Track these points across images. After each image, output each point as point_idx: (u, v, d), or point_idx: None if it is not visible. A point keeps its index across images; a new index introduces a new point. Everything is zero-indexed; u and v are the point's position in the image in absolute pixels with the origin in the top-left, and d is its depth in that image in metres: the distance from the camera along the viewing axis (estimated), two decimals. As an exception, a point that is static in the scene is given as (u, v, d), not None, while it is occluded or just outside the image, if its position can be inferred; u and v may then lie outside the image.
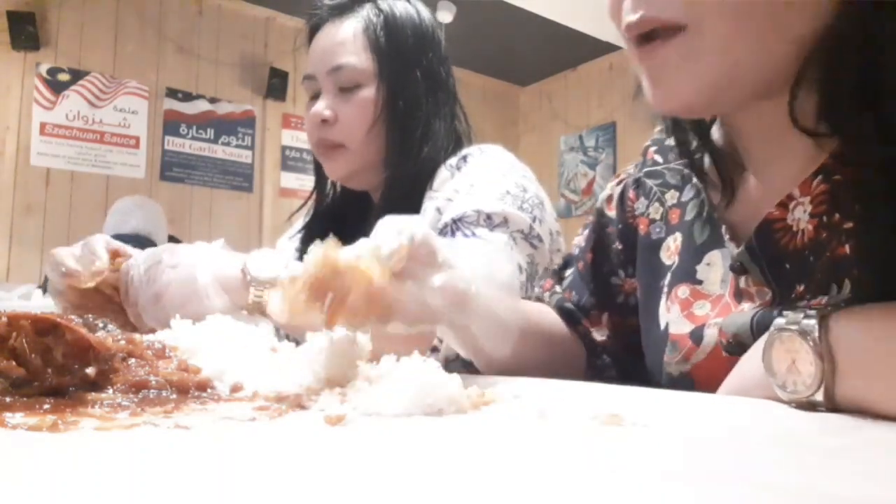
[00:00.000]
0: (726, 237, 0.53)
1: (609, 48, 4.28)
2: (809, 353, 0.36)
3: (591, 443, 0.28)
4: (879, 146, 0.41)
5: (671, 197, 0.60)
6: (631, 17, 0.44)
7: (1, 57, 3.34)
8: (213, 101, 3.94)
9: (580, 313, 0.67)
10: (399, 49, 0.93)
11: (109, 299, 0.70)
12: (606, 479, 0.21)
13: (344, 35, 0.94)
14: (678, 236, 0.58)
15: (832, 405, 0.35)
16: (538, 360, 0.60)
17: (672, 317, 0.55)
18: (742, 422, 0.35)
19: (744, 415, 0.37)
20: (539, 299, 0.71)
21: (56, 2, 3.48)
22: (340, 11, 0.95)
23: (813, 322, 0.37)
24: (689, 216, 0.57)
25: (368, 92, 0.92)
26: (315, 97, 0.96)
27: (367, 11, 0.94)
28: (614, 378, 0.67)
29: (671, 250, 0.58)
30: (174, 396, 0.36)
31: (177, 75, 3.84)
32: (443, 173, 0.89)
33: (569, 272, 0.71)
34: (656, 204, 0.62)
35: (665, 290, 0.57)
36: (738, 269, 0.51)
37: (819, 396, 0.35)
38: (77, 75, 3.54)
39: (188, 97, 3.87)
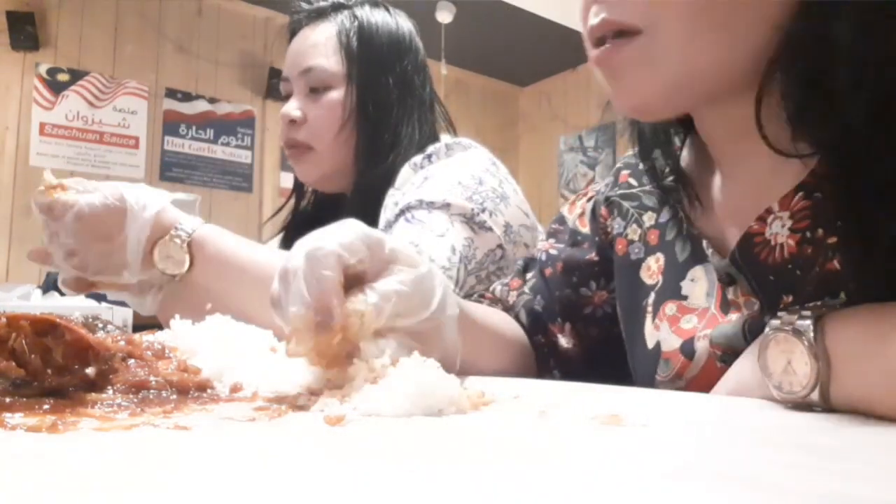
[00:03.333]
0: (709, 251, 0.53)
1: (608, 48, 4.28)
2: (804, 353, 0.36)
3: (591, 443, 0.28)
4: (851, 162, 0.41)
5: (649, 218, 0.61)
6: (593, 20, 0.46)
7: (0, 57, 3.34)
8: (212, 101, 3.93)
9: (546, 318, 0.67)
10: (371, 54, 0.95)
11: None
12: (606, 479, 0.21)
13: (317, 38, 0.95)
14: (660, 256, 0.58)
15: (827, 405, 0.36)
16: (483, 361, 0.60)
17: (662, 335, 0.55)
18: (740, 422, 0.35)
19: (742, 415, 0.37)
20: (500, 299, 0.71)
21: (55, 2, 3.48)
22: (317, 16, 0.98)
23: (808, 322, 0.37)
24: (669, 236, 0.58)
25: (338, 94, 0.94)
26: (289, 98, 0.98)
27: (342, 17, 0.96)
28: None
29: (652, 270, 0.59)
30: (174, 397, 0.36)
31: (176, 75, 3.84)
32: (405, 171, 0.90)
33: (530, 275, 0.71)
34: (634, 225, 0.62)
35: (650, 309, 0.57)
36: (725, 280, 0.51)
37: (814, 397, 0.36)
38: (76, 75, 3.54)
39: (188, 97, 3.87)
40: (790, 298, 0.46)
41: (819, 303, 0.43)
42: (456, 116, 1.09)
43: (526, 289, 0.70)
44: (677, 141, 0.60)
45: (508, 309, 0.70)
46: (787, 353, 0.37)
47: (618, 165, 0.68)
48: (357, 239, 0.39)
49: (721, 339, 0.49)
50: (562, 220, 0.72)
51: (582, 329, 0.67)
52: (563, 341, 0.67)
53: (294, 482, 0.20)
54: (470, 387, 0.37)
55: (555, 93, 5.09)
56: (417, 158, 0.90)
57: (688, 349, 0.52)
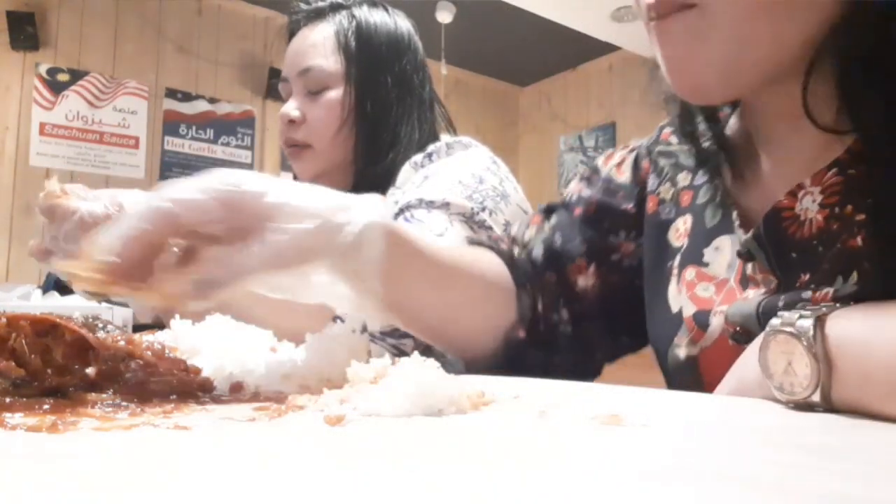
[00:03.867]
0: (736, 223, 0.53)
1: (609, 48, 4.28)
2: (805, 354, 0.36)
3: (591, 443, 0.28)
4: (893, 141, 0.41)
5: (683, 178, 0.60)
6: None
7: (0, 57, 3.34)
8: (212, 101, 3.94)
9: (564, 256, 0.66)
10: (369, 54, 0.95)
11: None
12: (606, 479, 0.21)
13: (315, 38, 0.96)
14: (688, 218, 0.58)
15: (829, 406, 0.35)
16: (458, 301, 0.58)
17: (683, 300, 0.55)
18: (741, 422, 0.35)
19: (742, 415, 0.37)
20: (514, 237, 0.69)
21: (56, 2, 3.48)
22: (316, 16, 0.98)
23: (808, 323, 0.36)
24: (701, 200, 0.57)
25: (336, 94, 0.94)
26: (289, 100, 0.98)
27: (340, 17, 0.97)
28: (554, 343, 0.65)
29: (680, 232, 0.58)
30: (174, 397, 0.36)
31: (176, 75, 3.84)
32: (406, 170, 0.90)
33: (554, 215, 0.69)
34: (667, 184, 0.61)
35: (675, 272, 0.57)
36: (745, 255, 0.51)
37: (816, 398, 0.35)
38: (76, 75, 3.54)
39: (188, 97, 3.87)
40: (806, 277, 0.47)
41: (831, 295, 0.43)
42: (456, 116, 1.09)
43: (546, 225, 0.68)
44: (725, 109, 0.59)
45: (523, 246, 0.68)
46: (787, 354, 0.37)
47: (663, 123, 0.67)
48: (209, 199, 0.38)
49: (737, 317, 0.49)
50: (595, 168, 0.70)
51: (605, 273, 0.65)
52: (581, 281, 0.65)
53: (294, 482, 0.20)
54: (470, 387, 0.37)
55: (555, 93, 5.09)
56: (418, 157, 0.90)
57: (701, 320, 0.52)
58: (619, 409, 0.33)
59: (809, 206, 0.47)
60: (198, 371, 0.40)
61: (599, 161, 0.71)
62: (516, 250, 0.68)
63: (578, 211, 0.67)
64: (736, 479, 0.22)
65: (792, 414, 0.36)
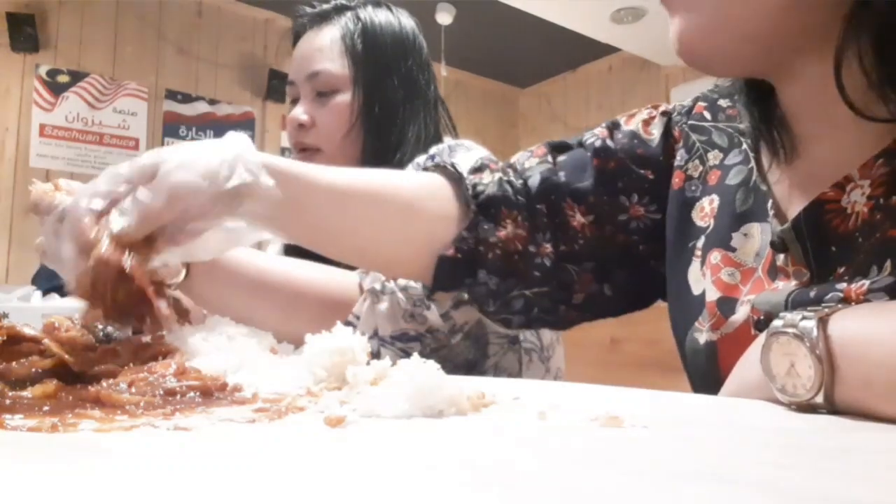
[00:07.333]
0: (771, 212, 0.52)
1: (608, 50, 4.28)
2: (808, 356, 0.35)
3: (591, 443, 0.28)
4: None
5: (714, 157, 0.58)
6: None
7: (0, 59, 3.34)
8: (212, 102, 3.94)
9: (567, 192, 0.63)
10: (376, 55, 0.95)
11: None
12: (606, 481, 0.21)
13: (321, 42, 0.96)
14: (715, 198, 0.56)
15: (832, 408, 0.35)
16: (367, 226, 0.60)
17: (706, 283, 0.54)
18: (741, 423, 0.35)
19: (743, 416, 0.37)
20: (510, 164, 0.67)
21: (56, 4, 3.49)
22: (321, 19, 0.98)
23: (811, 324, 0.36)
24: (732, 181, 0.56)
25: (344, 97, 0.94)
26: (296, 102, 0.98)
27: (345, 19, 0.97)
28: (526, 275, 0.62)
29: (706, 212, 0.57)
30: (199, 399, 0.36)
31: (176, 77, 3.84)
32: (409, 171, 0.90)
33: (566, 155, 0.66)
34: (696, 161, 0.60)
35: (699, 253, 0.56)
36: (778, 246, 0.49)
37: (819, 399, 0.35)
38: (76, 77, 3.55)
39: (188, 99, 3.87)
40: (842, 270, 0.45)
41: (859, 285, 0.42)
42: (456, 118, 1.09)
43: (550, 157, 0.65)
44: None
45: (518, 172, 0.65)
46: (790, 356, 0.37)
47: (696, 96, 0.65)
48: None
49: (764, 305, 0.48)
50: (616, 123, 0.66)
51: (609, 232, 0.63)
52: (578, 217, 0.63)
53: (294, 484, 0.20)
54: (470, 388, 0.37)
55: (555, 94, 5.10)
56: (420, 158, 0.90)
57: (725, 308, 0.51)
58: (619, 410, 0.33)
59: (858, 199, 0.45)
60: (199, 372, 0.40)
61: (621, 119, 0.67)
62: (509, 173, 0.65)
63: (597, 161, 0.64)
64: (736, 481, 0.22)
65: (793, 415, 0.36)
